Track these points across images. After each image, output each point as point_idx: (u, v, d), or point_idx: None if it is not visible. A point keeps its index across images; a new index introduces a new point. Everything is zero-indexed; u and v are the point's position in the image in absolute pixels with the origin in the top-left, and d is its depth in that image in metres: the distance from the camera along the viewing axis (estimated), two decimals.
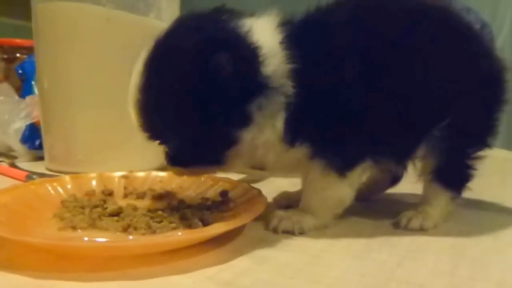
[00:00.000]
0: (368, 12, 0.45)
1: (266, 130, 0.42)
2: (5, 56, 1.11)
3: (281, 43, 0.42)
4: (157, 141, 0.44)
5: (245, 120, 0.41)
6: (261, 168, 0.66)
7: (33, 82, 0.92)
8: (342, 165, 0.44)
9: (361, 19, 0.45)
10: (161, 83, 0.40)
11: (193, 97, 0.39)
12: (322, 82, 0.42)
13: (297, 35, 0.43)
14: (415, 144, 0.47)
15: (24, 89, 0.96)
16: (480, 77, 0.47)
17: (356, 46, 0.43)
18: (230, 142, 0.42)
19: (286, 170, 0.51)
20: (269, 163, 0.46)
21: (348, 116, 0.42)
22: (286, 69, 0.41)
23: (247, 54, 0.40)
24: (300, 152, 0.44)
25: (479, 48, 0.48)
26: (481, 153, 0.49)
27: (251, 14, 0.44)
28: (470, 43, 0.47)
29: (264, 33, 0.42)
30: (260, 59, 0.40)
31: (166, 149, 0.45)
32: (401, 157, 0.48)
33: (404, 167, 0.51)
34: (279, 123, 0.42)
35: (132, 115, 0.43)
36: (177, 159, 0.45)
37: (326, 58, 0.42)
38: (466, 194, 0.50)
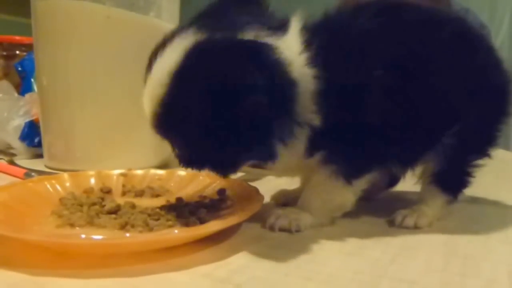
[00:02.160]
0: (387, 25, 0.45)
1: (284, 155, 0.42)
2: (5, 53, 1.12)
3: (308, 67, 0.40)
4: (168, 141, 0.43)
5: (269, 155, 0.41)
6: (260, 167, 0.66)
7: (32, 80, 0.92)
8: (351, 173, 0.45)
9: (386, 31, 0.44)
10: (192, 97, 0.38)
11: (221, 126, 0.38)
12: (349, 101, 0.42)
13: (323, 56, 0.41)
14: (423, 152, 0.48)
15: (23, 87, 0.96)
16: (488, 88, 0.48)
17: (383, 60, 0.43)
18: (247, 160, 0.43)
19: (288, 172, 0.51)
20: (273, 167, 0.46)
21: (367, 127, 0.43)
22: (313, 98, 0.41)
23: (286, 93, 0.39)
24: (312, 160, 0.44)
25: (490, 61, 0.49)
26: (480, 161, 0.50)
27: (278, 21, 0.43)
28: (483, 55, 0.48)
29: (294, 56, 0.40)
30: (295, 89, 0.39)
31: (178, 152, 0.44)
32: (407, 164, 0.49)
33: (407, 171, 0.52)
34: (299, 149, 0.42)
35: (146, 112, 0.41)
36: (190, 162, 0.43)
37: (354, 76, 0.42)
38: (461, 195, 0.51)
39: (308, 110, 0.41)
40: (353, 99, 0.42)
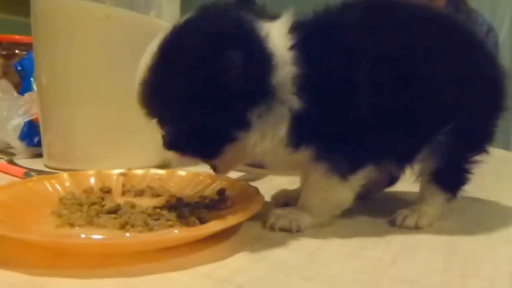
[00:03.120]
0: (376, 20, 0.45)
1: (265, 139, 0.42)
2: (4, 53, 1.12)
3: (290, 50, 0.41)
4: (155, 121, 0.44)
5: (243, 125, 0.41)
6: (260, 166, 0.66)
7: (31, 79, 0.92)
8: (345, 169, 0.44)
9: (370, 26, 0.44)
10: (170, 67, 0.40)
11: (198, 88, 0.39)
12: (332, 90, 0.42)
13: (306, 41, 0.42)
14: (418, 149, 0.48)
15: (23, 86, 0.96)
16: (483, 85, 0.48)
17: (366, 53, 0.43)
18: (226, 140, 0.42)
19: (286, 169, 0.51)
20: (269, 163, 0.46)
21: (355, 122, 0.42)
22: (293, 79, 0.41)
23: (261, 59, 0.40)
24: (303, 154, 0.44)
25: (483, 56, 0.49)
26: (478, 157, 0.50)
27: (272, 14, 0.44)
28: (475, 51, 0.48)
29: (278, 39, 0.42)
30: (271, 68, 0.40)
31: (163, 133, 0.45)
32: (404, 161, 0.49)
33: (404, 169, 0.52)
34: (280, 132, 0.42)
35: (136, 92, 0.43)
36: (173, 144, 0.45)
37: (336, 66, 0.42)
38: (461, 193, 0.51)
39: (287, 91, 0.41)
40: (334, 89, 0.42)
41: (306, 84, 0.41)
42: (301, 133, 0.42)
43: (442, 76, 0.45)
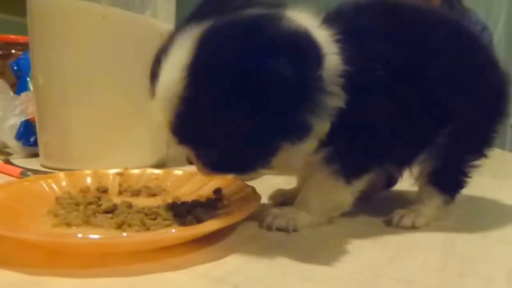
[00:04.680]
0: (387, 20, 0.45)
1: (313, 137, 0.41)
2: (0, 53, 1.11)
3: (335, 41, 0.39)
4: (187, 147, 0.41)
5: (303, 130, 0.39)
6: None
7: (28, 79, 0.92)
8: (351, 174, 0.45)
9: (384, 30, 0.44)
10: (206, 93, 0.36)
11: (243, 106, 0.35)
12: (367, 88, 0.41)
13: (347, 34, 0.40)
14: (419, 151, 0.48)
15: (19, 86, 0.95)
16: (485, 89, 0.48)
17: (383, 55, 0.42)
18: (272, 151, 0.40)
19: (289, 170, 0.51)
20: (279, 165, 0.44)
21: (373, 126, 0.42)
22: (340, 72, 0.39)
23: (310, 56, 0.37)
24: (316, 156, 0.44)
25: (487, 61, 0.49)
26: (477, 162, 0.50)
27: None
28: (479, 55, 0.48)
29: (315, 30, 0.39)
30: (322, 61, 0.37)
31: (200, 155, 0.42)
32: (404, 164, 0.49)
33: (403, 171, 0.52)
34: (325, 128, 0.40)
35: (160, 117, 0.38)
36: (215, 167, 0.42)
37: (366, 66, 0.41)
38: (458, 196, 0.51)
39: (332, 78, 0.38)
40: (359, 95, 0.40)
41: (350, 77, 0.39)
42: (329, 138, 0.41)
43: (448, 79, 0.45)
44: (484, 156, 0.51)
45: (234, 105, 0.35)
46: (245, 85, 0.35)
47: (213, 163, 0.41)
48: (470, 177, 0.51)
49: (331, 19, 0.42)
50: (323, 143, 0.42)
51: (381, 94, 0.41)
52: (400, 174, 0.53)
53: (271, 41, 0.36)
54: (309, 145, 0.42)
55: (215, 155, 0.40)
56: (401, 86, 0.43)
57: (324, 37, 0.39)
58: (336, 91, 0.39)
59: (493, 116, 0.50)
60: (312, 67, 0.37)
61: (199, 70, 0.36)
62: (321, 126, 0.40)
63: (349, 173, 0.44)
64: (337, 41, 0.40)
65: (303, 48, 0.37)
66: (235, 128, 0.37)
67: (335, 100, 0.39)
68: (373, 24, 0.43)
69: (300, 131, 0.39)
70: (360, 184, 0.46)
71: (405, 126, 0.44)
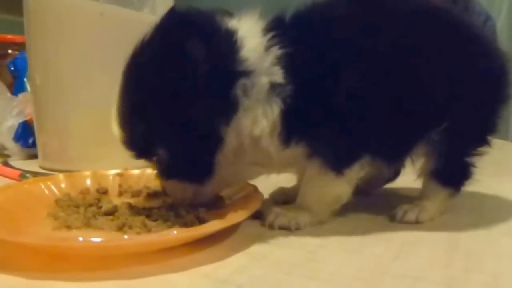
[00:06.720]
0: (366, 9, 0.45)
1: (259, 119, 0.41)
2: None
3: (264, 29, 0.42)
4: (144, 158, 0.44)
5: (230, 106, 0.40)
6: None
7: (25, 79, 0.91)
8: (339, 163, 0.44)
9: (359, 14, 0.44)
10: (135, 89, 0.41)
11: (170, 94, 0.39)
12: (313, 71, 0.41)
13: (285, 25, 0.43)
14: (411, 144, 0.47)
15: (16, 86, 0.95)
16: (480, 77, 0.47)
17: (352, 42, 0.42)
18: (219, 138, 0.41)
19: (281, 169, 0.50)
20: (264, 163, 0.45)
21: (341, 114, 0.42)
22: (269, 53, 0.41)
23: (218, 37, 0.40)
24: (296, 151, 0.43)
25: (480, 50, 0.48)
26: (480, 149, 0.50)
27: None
28: (470, 44, 0.47)
29: (245, 23, 0.42)
30: (234, 41, 0.40)
31: (156, 164, 0.44)
32: (397, 156, 0.49)
33: (402, 164, 0.51)
34: (274, 111, 0.41)
35: (115, 132, 0.43)
36: (170, 171, 0.44)
37: (320, 52, 0.42)
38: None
39: (267, 62, 0.41)
40: (317, 76, 0.41)
41: (287, 59, 0.41)
42: (292, 122, 0.42)
43: (435, 70, 0.44)
44: (487, 143, 0.50)
45: (158, 99, 0.40)
46: (161, 74, 0.39)
47: (167, 168, 0.44)
48: (475, 167, 0.50)
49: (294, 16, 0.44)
50: (294, 134, 0.42)
51: (335, 80, 0.41)
52: (399, 166, 0.52)
53: (182, 30, 0.40)
54: (264, 130, 0.42)
55: (165, 157, 0.42)
56: (373, 75, 0.42)
57: (251, 26, 0.42)
58: (266, 70, 0.41)
59: (492, 104, 0.49)
60: (222, 48, 0.40)
61: (125, 75, 0.42)
62: (262, 107, 0.41)
63: (337, 164, 0.44)
64: (274, 29, 0.42)
65: (212, 32, 0.40)
66: (166, 120, 0.40)
67: (267, 78, 0.41)
68: (345, 12, 0.44)
69: (228, 109, 0.40)
70: (354, 173, 0.45)
71: (389, 115, 0.43)
